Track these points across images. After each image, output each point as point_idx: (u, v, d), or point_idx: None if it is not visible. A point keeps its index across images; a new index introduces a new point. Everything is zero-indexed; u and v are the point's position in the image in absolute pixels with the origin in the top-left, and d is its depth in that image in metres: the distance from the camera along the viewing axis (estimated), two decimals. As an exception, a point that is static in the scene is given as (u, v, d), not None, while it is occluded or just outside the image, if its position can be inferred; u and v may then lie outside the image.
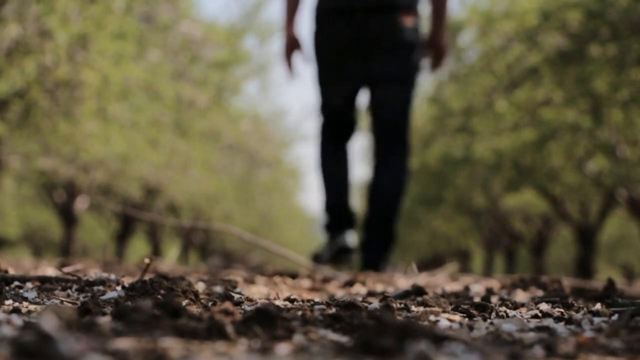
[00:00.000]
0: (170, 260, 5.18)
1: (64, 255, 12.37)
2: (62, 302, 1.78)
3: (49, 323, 0.98)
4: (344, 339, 1.24)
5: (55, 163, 9.64)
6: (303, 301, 2.00)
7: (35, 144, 8.69)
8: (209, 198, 15.35)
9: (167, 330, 1.18)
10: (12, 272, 2.29)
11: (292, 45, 4.41)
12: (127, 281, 2.12)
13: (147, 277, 2.14)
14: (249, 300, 1.96)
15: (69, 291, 1.97)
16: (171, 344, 1.10)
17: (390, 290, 2.68)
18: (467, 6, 10.21)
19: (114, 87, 7.40)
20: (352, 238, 4.34)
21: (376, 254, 4.21)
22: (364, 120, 5.65)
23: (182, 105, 10.57)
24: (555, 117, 8.95)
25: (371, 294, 2.56)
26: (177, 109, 10.51)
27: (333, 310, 1.64)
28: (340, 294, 2.68)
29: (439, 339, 1.15)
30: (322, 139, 4.44)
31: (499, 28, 9.11)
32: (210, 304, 1.77)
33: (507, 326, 1.46)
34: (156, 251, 16.72)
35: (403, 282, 3.08)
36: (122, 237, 15.90)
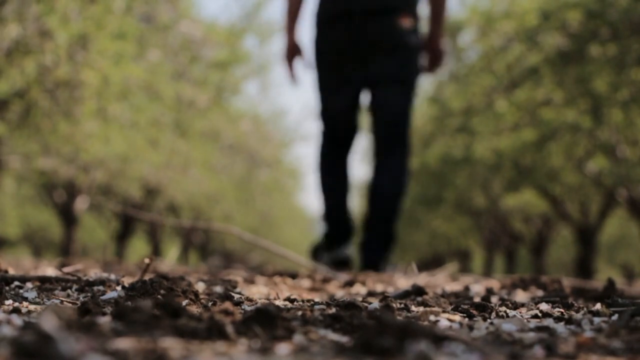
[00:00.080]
0: (170, 260, 5.19)
1: (64, 255, 12.37)
2: (62, 302, 1.78)
3: (49, 323, 0.98)
4: (344, 339, 1.24)
5: (55, 163, 9.64)
6: (303, 301, 2.00)
7: (35, 144, 8.69)
8: (209, 198, 15.35)
9: (167, 330, 1.18)
10: (12, 272, 2.29)
11: (293, 51, 4.45)
12: (127, 281, 2.12)
13: (147, 277, 2.14)
14: (249, 300, 1.97)
15: (69, 291, 1.97)
16: (171, 344, 1.10)
17: (390, 290, 2.68)
18: (467, 6, 10.22)
19: (114, 87, 7.40)
20: (350, 249, 4.38)
21: (376, 254, 4.22)
22: (364, 121, 5.65)
23: (182, 105, 10.57)
24: (555, 117, 8.95)
25: (371, 294, 2.56)
26: (177, 109, 10.51)
27: (333, 310, 1.64)
28: (340, 294, 2.69)
29: (439, 339, 1.15)
30: (322, 149, 4.45)
31: (499, 28, 9.11)
32: (210, 304, 1.77)
33: (507, 326, 1.46)
34: (156, 251, 16.72)
35: (403, 282, 3.08)
36: (122, 237, 15.90)
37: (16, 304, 1.68)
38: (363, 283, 2.99)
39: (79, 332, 1.11)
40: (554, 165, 10.06)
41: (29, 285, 2.02)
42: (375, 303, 1.82)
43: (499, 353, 1.12)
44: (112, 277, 2.13)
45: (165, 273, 2.86)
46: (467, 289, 2.77)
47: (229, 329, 1.18)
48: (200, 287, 2.35)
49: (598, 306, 1.86)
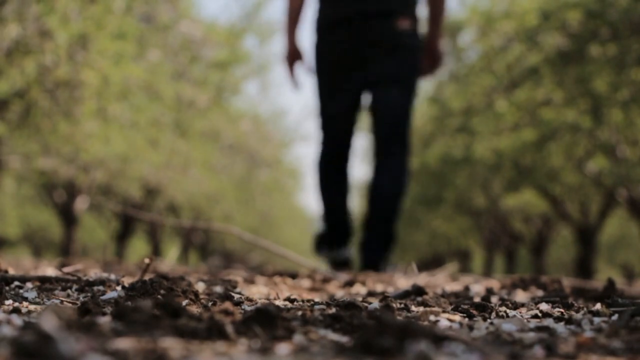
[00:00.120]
0: (170, 260, 5.18)
1: (64, 255, 12.37)
2: (62, 302, 1.78)
3: (49, 323, 0.98)
4: (344, 339, 1.24)
5: (55, 163, 9.64)
6: (303, 301, 2.00)
7: (35, 144, 8.69)
8: (209, 198, 15.35)
9: (167, 330, 1.18)
10: (12, 272, 2.29)
11: (294, 55, 4.48)
12: (127, 281, 2.12)
13: (147, 277, 2.14)
14: (249, 300, 1.97)
15: (69, 291, 1.97)
16: (171, 344, 1.10)
17: (390, 290, 2.68)
18: (467, 6, 10.22)
19: (114, 87, 7.40)
20: (350, 251, 4.40)
21: (376, 254, 4.22)
22: (364, 121, 5.67)
23: (182, 105, 10.57)
24: (555, 117, 8.95)
25: (371, 294, 2.56)
26: (177, 109, 10.51)
27: (333, 310, 1.64)
28: (340, 294, 2.68)
29: (439, 339, 1.15)
30: (321, 154, 4.48)
31: (499, 28, 9.11)
32: (210, 304, 1.77)
33: (507, 326, 1.46)
34: (156, 251, 16.72)
35: (403, 282, 3.08)
36: (122, 237, 15.90)
37: (16, 304, 1.68)
38: (363, 283, 2.99)
39: (79, 332, 1.11)
40: (554, 165, 10.06)
41: (29, 285, 2.02)
42: (375, 303, 1.82)
43: (499, 353, 1.12)
44: (112, 277, 2.13)
45: (165, 273, 2.86)
46: (467, 289, 2.77)
47: (229, 329, 1.18)
48: (200, 287, 2.35)
49: (598, 306, 1.86)
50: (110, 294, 1.77)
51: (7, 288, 1.95)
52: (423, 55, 4.44)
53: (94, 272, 2.49)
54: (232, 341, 1.16)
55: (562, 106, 8.88)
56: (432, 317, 1.62)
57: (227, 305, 1.39)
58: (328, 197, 4.45)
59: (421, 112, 12.94)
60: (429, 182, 13.73)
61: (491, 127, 10.19)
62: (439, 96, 11.49)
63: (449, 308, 1.85)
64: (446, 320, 1.57)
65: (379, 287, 2.86)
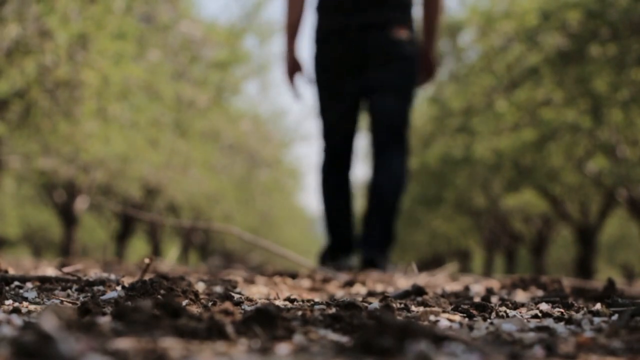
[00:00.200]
0: (170, 260, 5.18)
1: (64, 255, 12.37)
2: (62, 302, 1.78)
3: (49, 323, 0.98)
4: (344, 339, 1.24)
5: (55, 163, 9.63)
6: (303, 301, 2.00)
7: (35, 144, 8.69)
8: (209, 198, 15.34)
9: (167, 330, 1.18)
10: (12, 272, 2.29)
11: (293, 67, 4.56)
12: (127, 281, 2.12)
13: (147, 277, 2.14)
14: (249, 300, 1.97)
15: (69, 291, 1.97)
16: (171, 344, 1.10)
17: (390, 290, 2.68)
18: (467, 6, 10.22)
19: (114, 87, 7.40)
20: (354, 260, 4.44)
21: (375, 251, 4.23)
22: (364, 121, 5.70)
23: (182, 105, 10.57)
24: (555, 117, 8.95)
25: (371, 294, 2.56)
26: (177, 109, 10.51)
27: (333, 310, 1.64)
28: (340, 294, 2.68)
29: (439, 339, 1.15)
30: (323, 164, 4.55)
31: (499, 28, 9.11)
32: (210, 304, 1.77)
33: (507, 326, 1.46)
34: (156, 251, 16.72)
35: (403, 282, 3.08)
36: (122, 237, 15.90)
37: (16, 304, 1.68)
38: (363, 283, 2.99)
39: (79, 332, 1.11)
40: (554, 165, 10.06)
41: (29, 285, 2.02)
42: (375, 303, 1.82)
43: (499, 353, 1.12)
44: (112, 277, 2.13)
45: (165, 273, 2.86)
46: (467, 289, 2.77)
47: (229, 329, 1.18)
48: (200, 287, 2.35)
49: (598, 306, 1.86)
50: (110, 294, 1.77)
51: (7, 288, 1.95)
52: (418, 66, 4.51)
53: (94, 272, 2.49)
54: (232, 341, 1.16)
55: (562, 106, 8.87)
56: (432, 317, 1.62)
57: (227, 305, 1.39)
58: (331, 205, 4.52)
59: (421, 112, 12.94)
60: (429, 182, 13.72)
61: (491, 127, 10.19)
62: (439, 96, 11.49)
63: (449, 308, 1.85)
64: (446, 320, 1.57)
65: (379, 287, 2.86)
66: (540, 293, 2.65)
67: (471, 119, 10.31)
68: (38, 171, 10.15)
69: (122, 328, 1.18)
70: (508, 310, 1.82)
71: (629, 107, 7.89)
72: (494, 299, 2.32)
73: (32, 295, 1.85)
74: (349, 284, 2.97)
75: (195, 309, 1.63)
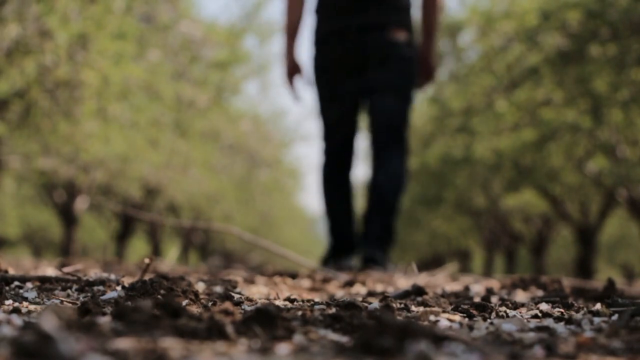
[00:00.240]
0: (170, 260, 5.19)
1: (64, 255, 12.37)
2: (62, 302, 1.78)
3: (49, 323, 0.98)
4: (344, 339, 1.24)
5: (55, 163, 9.63)
6: (303, 301, 2.00)
7: (35, 144, 8.69)
8: (209, 198, 15.34)
9: (167, 330, 1.18)
10: (12, 272, 2.29)
11: (293, 70, 4.59)
12: (127, 281, 2.12)
13: (147, 277, 2.14)
14: (249, 300, 1.97)
15: (69, 291, 1.97)
16: (171, 344, 1.10)
17: (390, 290, 2.68)
18: (467, 6, 10.22)
19: (114, 87, 7.40)
20: (355, 261, 4.46)
21: (376, 249, 4.23)
22: (363, 120, 5.72)
23: (182, 105, 10.57)
24: (555, 117, 8.95)
25: (371, 294, 2.56)
26: (177, 109, 10.51)
27: (333, 310, 1.64)
28: (340, 294, 2.69)
29: (439, 339, 1.15)
30: (324, 166, 4.57)
31: (499, 28, 9.11)
32: (210, 304, 1.77)
33: (507, 326, 1.46)
34: (156, 251, 16.72)
35: (403, 282, 3.08)
36: (122, 237, 15.90)
37: (16, 304, 1.68)
38: (363, 283, 2.99)
39: (79, 332, 1.11)
40: (554, 165, 10.05)
41: (29, 285, 2.02)
42: (375, 303, 1.82)
43: (499, 353, 1.12)
44: (112, 277, 2.13)
45: (165, 273, 2.86)
46: (467, 289, 2.77)
47: (229, 329, 1.18)
48: (200, 287, 2.35)
49: (598, 306, 1.86)
50: (110, 294, 1.77)
51: (7, 288, 1.94)
52: (417, 67, 4.53)
53: (94, 272, 2.49)
54: (232, 341, 1.16)
55: (562, 106, 8.87)
56: (432, 317, 1.62)
57: (227, 305, 1.40)
58: (332, 206, 4.54)
59: (421, 112, 12.93)
60: (429, 182, 13.72)
61: (491, 127, 10.18)
62: (439, 96, 11.49)
63: (449, 308, 1.85)
64: (446, 320, 1.57)
65: (379, 287, 2.86)
66: (540, 293, 2.64)
67: (471, 119, 10.31)
68: (38, 171, 10.15)
69: (122, 328, 1.18)
70: (508, 310, 1.82)
71: (629, 107, 7.89)
72: (494, 299, 2.32)
73: (32, 295, 1.85)
74: (349, 284, 2.97)
75: (195, 309, 1.63)
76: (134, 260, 10.49)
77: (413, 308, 1.83)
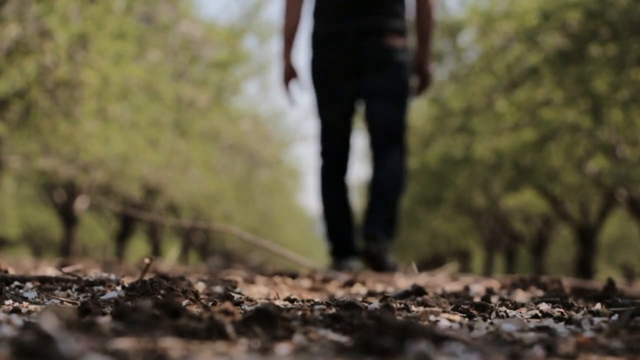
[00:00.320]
0: (170, 260, 5.18)
1: (64, 255, 12.37)
2: (62, 302, 1.78)
3: (49, 323, 0.98)
4: (344, 339, 1.24)
5: (55, 163, 9.63)
6: (303, 301, 2.00)
7: (35, 144, 8.68)
8: (209, 198, 15.34)
9: (167, 330, 1.18)
10: (12, 272, 2.29)
11: (289, 74, 4.61)
12: (127, 281, 2.12)
13: (147, 277, 2.14)
14: (249, 300, 1.97)
15: (69, 291, 1.97)
16: (171, 344, 1.10)
17: (390, 290, 2.68)
18: (467, 6, 10.22)
19: (114, 87, 7.40)
20: (355, 263, 4.46)
21: (377, 228, 4.22)
22: (362, 120, 5.75)
23: (182, 105, 10.57)
24: (555, 117, 8.95)
25: (371, 294, 2.56)
26: (177, 109, 10.51)
27: (333, 310, 1.64)
28: (340, 294, 2.69)
29: (439, 339, 1.15)
30: (321, 170, 4.59)
31: (499, 28, 9.11)
32: (210, 304, 1.77)
33: (507, 326, 1.46)
34: (156, 251, 16.72)
35: (403, 282, 3.08)
36: (122, 237, 15.90)
37: (16, 304, 1.68)
38: (363, 283, 2.99)
39: (79, 332, 1.11)
40: (554, 165, 10.05)
41: (29, 285, 2.02)
42: (375, 303, 1.82)
43: (499, 353, 1.12)
44: (112, 277, 2.13)
45: (165, 273, 2.86)
46: (467, 289, 2.77)
47: (229, 329, 1.18)
48: (200, 287, 2.35)
49: (598, 306, 1.86)
50: (110, 294, 1.77)
51: (7, 288, 1.94)
52: (413, 76, 4.57)
53: (94, 272, 2.49)
54: (232, 341, 1.16)
55: (562, 106, 8.87)
56: (432, 317, 1.62)
57: (227, 305, 1.40)
58: (330, 208, 4.55)
59: (421, 112, 12.94)
60: (429, 182, 13.72)
61: (491, 127, 10.18)
62: (439, 96, 11.49)
63: (449, 308, 1.85)
64: (446, 320, 1.57)
65: (379, 287, 2.87)
66: (540, 293, 2.64)
67: (471, 119, 10.31)
68: (38, 171, 10.15)
69: (122, 328, 1.18)
70: (508, 310, 1.82)
71: (629, 107, 7.89)
72: (494, 299, 2.32)
73: (32, 295, 1.85)
74: (349, 284, 2.97)
75: (195, 309, 1.63)
76: (134, 260, 10.49)
77: (413, 308, 1.83)
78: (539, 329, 1.45)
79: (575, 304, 1.97)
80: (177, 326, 1.18)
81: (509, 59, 9.17)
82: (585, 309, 1.88)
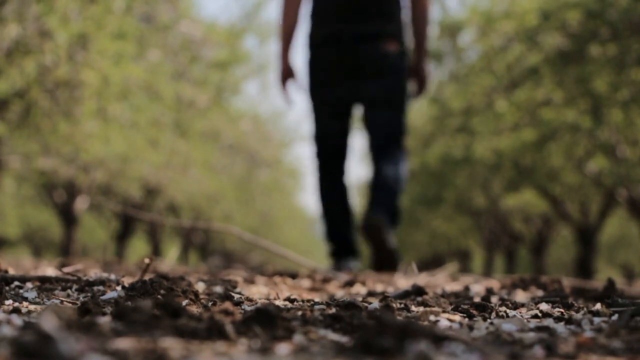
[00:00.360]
0: (170, 260, 5.18)
1: (64, 255, 12.37)
2: (62, 302, 1.78)
3: (49, 323, 0.98)
4: (344, 339, 1.24)
5: (55, 163, 9.63)
6: (303, 301, 2.00)
7: (35, 144, 8.68)
8: (209, 198, 15.34)
9: (167, 330, 1.18)
10: (12, 272, 2.29)
11: (287, 74, 4.63)
12: (127, 281, 2.12)
13: (147, 277, 2.14)
14: (249, 300, 1.97)
15: (69, 291, 1.97)
16: (171, 344, 1.10)
17: (390, 290, 2.68)
18: (467, 6, 10.21)
19: (114, 87, 7.40)
20: (355, 263, 4.46)
21: (381, 211, 4.21)
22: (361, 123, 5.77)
23: (182, 105, 10.57)
24: (555, 117, 8.95)
25: (371, 294, 2.56)
26: (177, 109, 10.51)
27: (333, 310, 1.64)
28: (340, 294, 2.69)
29: (439, 339, 1.15)
30: (319, 172, 4.61)
31: (499, 28, 9.11)
32: (210, 304, 1.77)
33: (507, 326, 1.46)
34: (156, 251, 16.72)
35: (403, 282, 3.08)
36: (122, 237, 15.90)
37: (16, 304, 1.68)
38: (363, 283, 2.99)
39: (79, 332, 1.11)
40: (554, 165, 10.05)
41: (29, 285, 2.02)
42: (375, 303, 1.82)
43: (499, 353, 1.12)
44: (112, 277, 2.13)
45: (165, 273, 2.86)
46: (467, 289, 2.77)
47: (229, 329, 1.18)
48: (200, 287, 2.35)
49: (598, 306, 1.86)
50: (110, 294, 1.77)
51: (7, 288, 1.94)
52: (410, 79, 4.58)
53: (94, 272, 2.49)
54: (232, 341, 1.16)
55: (562, 106, 8.87)
56: (432, 317, 1.62)
57: (227, 305, 1.40)
58: (329, 208, 4.55)
59: (421, 112, 12.93)
60: (429, 182, 13.72)
61: (491, 127, 10.18)
62: (439, 96, 11.49)
63: (449, 308, 1.85)
64: (446, 320, 1.57)
65: (379, 287, 2.87)
66: (540, 293, 2.64)
67: (471, 119, 10.31)
68: (38, 171, 10.15)
69: (122, 328, 1.18)
70: (508, 310, 1.82)
71: (629, 107, 7.88)
72: (494, 299, 2.32)
73: (32, 295, 1.85)
74: (349, 284, 2.97)
75: (195, 309, 1.63)
76: (134, 260, 10.49)
77: (413, 308, 1.83)
78: (539, 329, 1.45)
79: (575, 304, 1.97)
80: (177, 326, 1.18)
81: (509, 59, 9.17)
82: (585, 309, 1.88)
